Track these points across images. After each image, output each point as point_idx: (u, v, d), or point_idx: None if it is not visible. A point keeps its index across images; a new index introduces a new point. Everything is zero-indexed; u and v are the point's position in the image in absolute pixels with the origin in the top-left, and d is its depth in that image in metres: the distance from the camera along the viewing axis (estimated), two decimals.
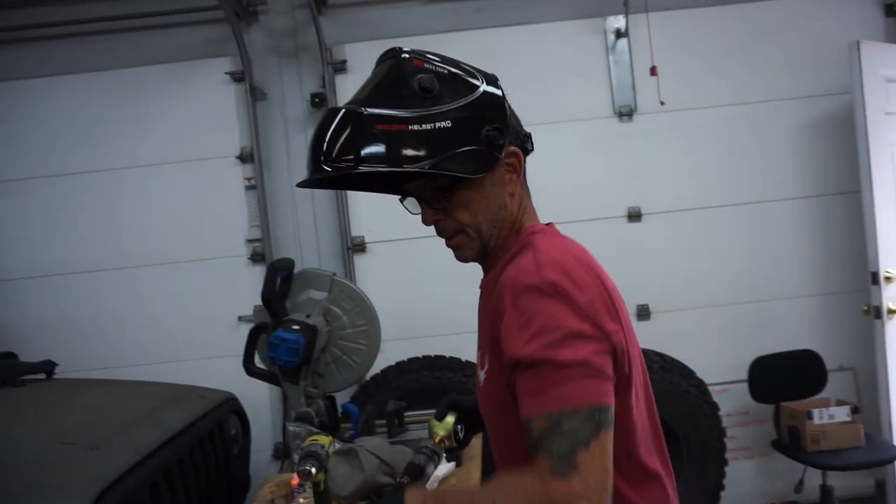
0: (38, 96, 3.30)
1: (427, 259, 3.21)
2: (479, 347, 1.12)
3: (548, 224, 1.16)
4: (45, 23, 3.24)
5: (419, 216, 1.13)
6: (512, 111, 1.11)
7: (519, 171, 1.11)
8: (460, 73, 1.07)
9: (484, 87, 1.07)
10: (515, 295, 0.97)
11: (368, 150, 0.99)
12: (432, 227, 1.13)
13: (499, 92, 1.09)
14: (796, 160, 3.33)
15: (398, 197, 1.19)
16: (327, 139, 1.01)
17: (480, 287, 1.16)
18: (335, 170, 1.00)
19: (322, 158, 1.01)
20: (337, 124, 1.01)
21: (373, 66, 1.12)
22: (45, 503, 1.45)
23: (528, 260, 1.01)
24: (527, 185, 1.16)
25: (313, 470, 1.42)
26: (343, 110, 1.02)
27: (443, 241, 1.14)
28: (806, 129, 3.33)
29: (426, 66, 1.05)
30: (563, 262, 1.00)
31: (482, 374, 1.09)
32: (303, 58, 3.33)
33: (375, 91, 1.04)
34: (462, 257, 1.13)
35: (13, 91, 3.29)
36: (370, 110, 1.00)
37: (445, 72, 1.05)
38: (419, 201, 1.11)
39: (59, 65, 3.29)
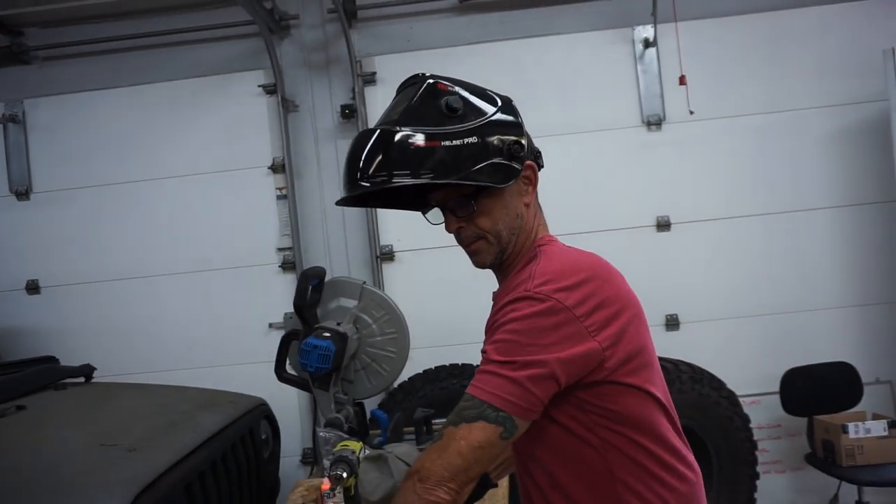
0: (80, 110, 3.42)
1: (455, 268, 3.19)
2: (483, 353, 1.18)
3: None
4: (86, 40, 3.38)
5: (441, 226, 1.20)
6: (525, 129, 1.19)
7: (534, 183, 1.19)
8: (479, 94, 1.15)
9: (501, 106, 1.15)
10: (506, 302, 1.07)
11: (406, 165, 1.05)
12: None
13: (515, 111, 1.17)
14: (829, 169, 3.27)
15: (420, 212, 1.27)
16: (363, 157, 1.07)
17: (493, 297, 1.21)
18: (373, 185, 1.07)
19: (359, 176, 1.07)
20: (374, 143, 1.07)
21: (402, 77, 1.20)
22: (89, 502, 1.50)
23: (527, 272, 1.09)
24: (537, 199, 1.23)
25: (345, 475, 1.45)
26: (378, 130, 1.09)
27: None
28: (839, 138, 3.27)
29: (450, 88, 1.12)
30: (560, 270, 1.07)
31: None
32: (333, 70, 3.40)
33: (406, 113, 1.10)
34: (480, 262, 1.20)
35: (56, 105, 3.42)
36: (405, 129, 1.07)
37: (467, 93, 1.13)
38: (442, 210, 1.18)
39: (99, 79, 3.41)
